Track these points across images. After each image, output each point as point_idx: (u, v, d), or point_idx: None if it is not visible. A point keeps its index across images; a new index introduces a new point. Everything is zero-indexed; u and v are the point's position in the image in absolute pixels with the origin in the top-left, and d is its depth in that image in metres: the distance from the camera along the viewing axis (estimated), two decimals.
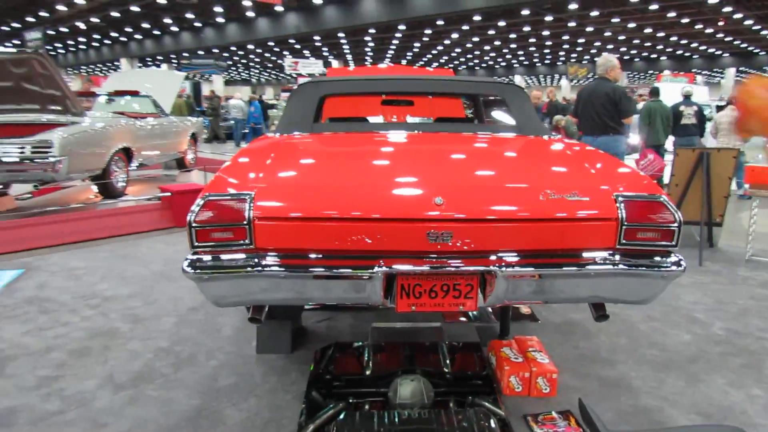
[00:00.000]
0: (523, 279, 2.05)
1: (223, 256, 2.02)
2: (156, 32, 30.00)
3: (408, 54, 38.96)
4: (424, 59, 41.21)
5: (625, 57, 38.85)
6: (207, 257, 2.02)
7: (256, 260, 2.01)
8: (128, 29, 29.23)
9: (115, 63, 35.65)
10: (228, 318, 3.46)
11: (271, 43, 32.58)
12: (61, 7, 23.27)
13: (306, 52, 36.97)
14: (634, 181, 2.23)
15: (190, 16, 25.82)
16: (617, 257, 2.07)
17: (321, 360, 2.86)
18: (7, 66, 5.67)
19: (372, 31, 30.27)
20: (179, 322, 3.42)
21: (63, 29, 28.43)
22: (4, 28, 27.41)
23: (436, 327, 3.35)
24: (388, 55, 39.05)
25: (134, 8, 23.82)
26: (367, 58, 40.41)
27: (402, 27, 29.21)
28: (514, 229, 2.04)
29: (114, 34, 30.78)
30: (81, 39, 32.82)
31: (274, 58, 38.98)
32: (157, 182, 8.43)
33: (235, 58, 40.13)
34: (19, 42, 26.67)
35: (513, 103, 3.10)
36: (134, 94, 8.49)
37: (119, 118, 7.47)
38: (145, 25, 28.00)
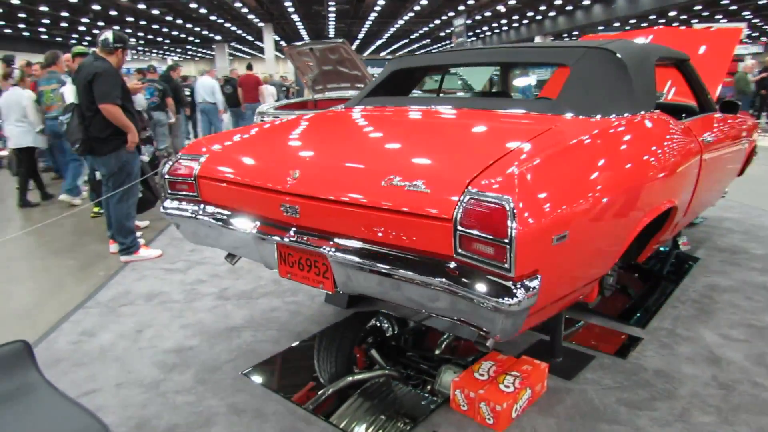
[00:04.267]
0: (356, 269, 1.86)
1: (180, 204, 2.54)
2: (568, 8, 30.32)
3: None
4: None
5: None
6: (173, 203, 2.57)
7: (196, 209, 2.46)
8: (542, 7, 30.48)
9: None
10: None
11: (697, 7, 28.69)
12: None
13: (746, 14, 30.97)
14: (510, 174, 1.65)
15: None
16: (446, 269, 1.64)
17: (364, 323, 3.07)
18: (327, 54, 7.23)
19: None
20: None
21: (487, 14, 31.80)
22: (441, 18, 32.44)
23: None
24: None
25: None
26: None
27: None
28: (347, 214, 1.87)
29: (530, 14, 32.61)
30: (502, 21, 36.01)
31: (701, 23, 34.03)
32: None
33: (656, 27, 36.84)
34: (449, 31, 31.31)
35: (580, 74, 2.45)
36: None
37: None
38: (558, 2, 28.65)
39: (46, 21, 29.53)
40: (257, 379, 2.54)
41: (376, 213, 1.81)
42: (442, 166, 1.89)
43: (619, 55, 2.50)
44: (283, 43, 41.65)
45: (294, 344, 2.86)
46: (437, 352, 2.89)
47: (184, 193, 2.52)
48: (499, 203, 1.55)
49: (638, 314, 3.12)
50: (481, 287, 1.58)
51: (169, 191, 2.57)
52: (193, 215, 2.44)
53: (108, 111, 3.87)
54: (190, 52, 51.60)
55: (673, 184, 2.49)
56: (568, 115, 2.33)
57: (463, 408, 2.27)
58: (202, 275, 3.90)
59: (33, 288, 3.92)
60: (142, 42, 40.66)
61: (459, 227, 1.61)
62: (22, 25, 30.54)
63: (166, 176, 2.56)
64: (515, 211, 1.53)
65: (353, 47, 7.12)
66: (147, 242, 4.65)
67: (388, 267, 1.78)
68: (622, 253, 2.17)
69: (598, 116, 2.35)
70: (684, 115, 3.23)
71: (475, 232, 1.58)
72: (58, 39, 32.91)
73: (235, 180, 2.28)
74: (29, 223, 5.57)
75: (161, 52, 47.42)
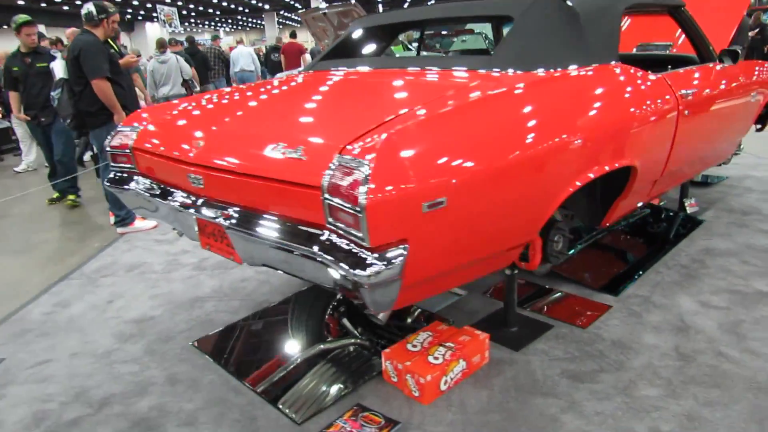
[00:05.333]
0: (248, 241, 1.81)
1: (119, 175, 2.55)
2: None
3: None
4: None
5: None
6: (115, 175, 2.58)
7: (132, 181, 2.46)
8: None
9: None
10: None
11: None
12: None
13: None
14: (380, 138, 1.53)
15: None
16: (320, 240, 1.56)
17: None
18: (340, 18, 7.09)
19: None
20: None
21: None
22: None
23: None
24: None
25: None
26: None
27: None
28: (239, 184, 1.81)
29: None
30: None
31: None
32: None
33: None
34: None
35: (524, 25, 2.25)
36: None
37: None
38: None
39: None
40: (203, 349, 2.56)
41: (262, 182, 1.75)
42: (328, 132, 1.79)
43: (570, 3, 2.28)
44: None
45: (246, 316, 2.86)
46: (409, 320, 2.83)
47: (123, 165, 2.53)
48: (355, 169, 1.45)
49: (633, 282, 2.91)
50: (342, 258, 1.50)
51: (112, 164, 2.59)
52: (127, 188, 2.45)
53: (98, 87, 3.94)
54: (240, 23, 52.08)
55: (628, 142, 2.27)
56: (509, 71, 2.15)
57: (393, 380, 2.21)
58: (188, 246, 3.96)
59: (28, 259, 4.09)
60: (193, 14, 41.26)
61: (325, 195, 1.52)
62: (78, 2, 31.61)
63: (107, 148, 2.57)
64: (369, 176, 1.42)
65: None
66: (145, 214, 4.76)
67: (273, 238, 1.73)
68: (547, 219, 2.01)
69: (540, 70, 2.16)
70: (669, 67, 2.94)
71: (337, 200, 1.49)
72: None
73: (157, 151, 2.26)
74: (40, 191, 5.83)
75: (212, 23, 48.09)
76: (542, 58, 2.18)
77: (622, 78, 2.34)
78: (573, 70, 2.20)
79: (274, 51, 12.40)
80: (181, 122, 2.35)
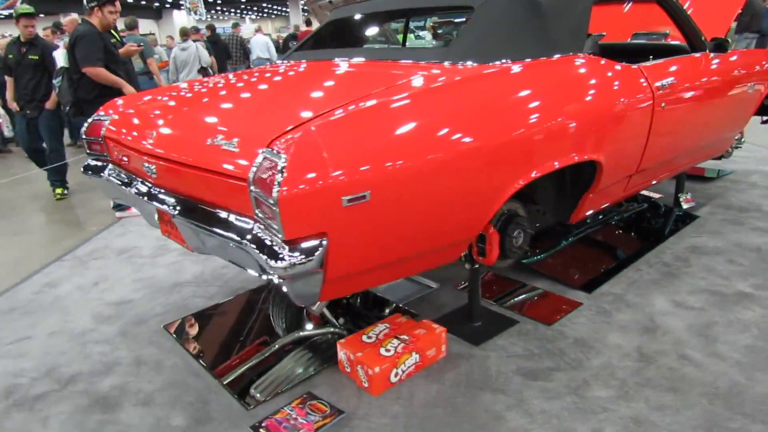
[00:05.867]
0: (191, 230, 1.85)
1: (94, 162, 2.60)
2: None
3: None
4: None
5: None
6: (91, 162, 2.64)
7: (104, 167, 2.52)
8: None
9: None
10: None
11: None
12: None
13: None
14: (303, 130, 1.53)
15: None
16: (250, 231, 1.58)
17: None
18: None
19: None
20: None
21: None
22: None
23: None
24: None
25: None
26: None
27: None
28: (182, 173, 1.85)
29: None
30: None
31: None
32: None
33: None
34: None
35: (483, 16, 2.21)
36: None
37: None
38: None
39: None
40: (173, 333, 2.62)
41: (202, 173, 1.77)
42: (263, 124, 1.80)
43: None
44: None
45: (222, 302, 2.91)
46: (387, 311, 2.85)
47: (98, 153, 2.58)
48: (274, 162, 1.46)
49: (611, 279, 2.86)
50: (262, 250, 1.52)
51: (87, 151, 2.65)
52: (99, 176, 2.51)
53: (91, 73, 4.02)
54: (266, 11, 52.23)
55: (589, 136, 2.22)
56: (468, 63, 2.12)
57: (347, 370, 2.23)
58: None
59: (30, 240, 4.23)
60: (219, 2, 41.57)
61: (251, 187, 1.54)
62: None
63: (83, 136, 2.63)
64: (284, 169, 1.43)
65: None
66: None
67: (211, 228, 1.76)
68: (492, 215, 1.98)
69: (500, 62, 2.13)
70: (651, 57, 2.86)
71: (259, 192, 1.50)
72: (143, 2, 34.44)
73: (122, 140, 2.31)
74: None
75: (238, 11, 48.32)
76: (502, 49, 2.14)
77: (583, 69, 2.28)
78: (532, 61, 2.16)
79: (292, 39, 12.69)
80: (146, 111, 2.39)
